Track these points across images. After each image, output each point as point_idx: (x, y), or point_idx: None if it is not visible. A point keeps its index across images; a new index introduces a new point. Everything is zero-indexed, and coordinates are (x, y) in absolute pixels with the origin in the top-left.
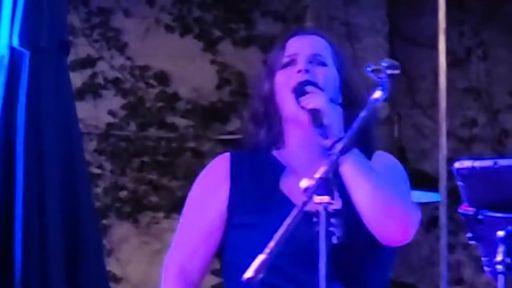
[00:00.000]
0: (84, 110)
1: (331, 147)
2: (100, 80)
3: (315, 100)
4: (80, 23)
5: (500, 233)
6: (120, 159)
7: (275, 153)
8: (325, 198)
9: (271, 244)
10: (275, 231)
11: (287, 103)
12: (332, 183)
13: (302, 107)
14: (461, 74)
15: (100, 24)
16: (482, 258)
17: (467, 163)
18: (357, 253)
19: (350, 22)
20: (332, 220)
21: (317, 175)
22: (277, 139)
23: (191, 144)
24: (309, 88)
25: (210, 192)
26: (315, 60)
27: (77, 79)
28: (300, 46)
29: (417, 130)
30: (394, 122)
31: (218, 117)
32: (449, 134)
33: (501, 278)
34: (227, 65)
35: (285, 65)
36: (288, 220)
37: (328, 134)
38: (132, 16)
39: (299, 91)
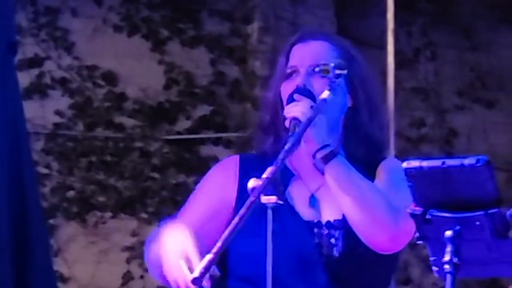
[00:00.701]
0: (32, 110)
1: (314, 155)
2: (47, 80)
3: (294, 109)
4: (27, 23)
5: (448, 233)
6: (67, 159)
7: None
8: (273, 198)
9: (219, 243)
10: (275, 240)
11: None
12: (280, 183)
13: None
14: (409, 74)
15: (47, 23)
16: (430, 258)
17: (415, 163)
18: (358, 263)
19: (298, 22)
20: (333, 232)
21: (264, 175)
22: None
23: (139, 144)
24: (295, 96)
25: (219, 186)
26: (316, 71)
27: (24, 78)
28: (301, 57)
29: None
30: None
31: (165, 117)
32: (397, 134)
33: (449, 277)
34: (175, 65)
35: (289, 76)
36: (241, 212)
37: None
38: (80, 16)
39: (288, 102)
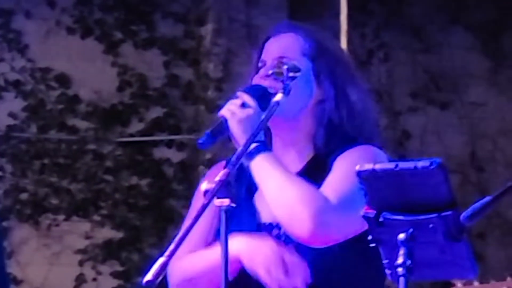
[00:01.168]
0: None
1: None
2: (0, 82)
3: (225, 107)
4: None
5: (401, 236)
6: (20, 161)
7: None
8: (225, 201)
9: (171, 247)
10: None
11: None
12: (233, 186)
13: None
14: (363, 76)
15: (0, 25)
16: (383, 261)
17: (368, 166)
18: (311, 261)
19: (252, 24)
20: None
21: (217, 178)
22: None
23: (92, 146)
24: (238, 93)
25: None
26: (280, 63)
27: None
28: (269, 50)
29: None
30: None
31: (118, 120)
32: None
33: (402, 280)
34: (128, 67)
35: (258, 70)
36: (193, 214)
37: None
38: (33, 18)
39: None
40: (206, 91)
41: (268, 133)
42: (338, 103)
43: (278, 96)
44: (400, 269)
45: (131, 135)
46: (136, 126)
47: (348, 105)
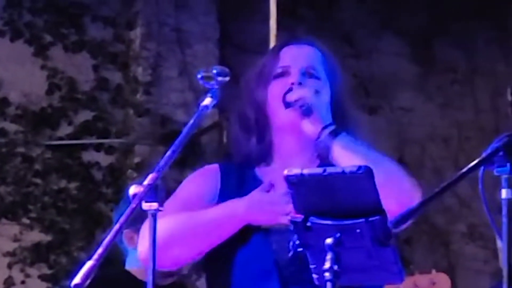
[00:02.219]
0: None
1: (319, 135)
2: None
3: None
4: None
5: (328, 240)
6: None
7: (257, 170)
8: (154, 205)
9: (99, 250)
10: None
11: (279, 113)
12: (161, 190)
13: (289, 104)
14: None
15: None
16: (311, 265)
17: (296, 170)
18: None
19: (181, 28)
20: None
21: (145, 182)
22: (267, 152)
23: (21, 149)
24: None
25: (203, 183)
26: (308, 73)
27: None
28: (294, 57)
29: None
30: (223, 128)
31: (48, 123)
32: None
33: (329, 285)
34: (58, 70)
35: (279, 76)
36: (122, 219)
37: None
38: None
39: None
40: (135, 94)
41: (270, 138)
42: (336, 112)
43: (207, 100)
44: (327, 274)
45: (60, 138)
46: (65, 129)
47: (343, 114)
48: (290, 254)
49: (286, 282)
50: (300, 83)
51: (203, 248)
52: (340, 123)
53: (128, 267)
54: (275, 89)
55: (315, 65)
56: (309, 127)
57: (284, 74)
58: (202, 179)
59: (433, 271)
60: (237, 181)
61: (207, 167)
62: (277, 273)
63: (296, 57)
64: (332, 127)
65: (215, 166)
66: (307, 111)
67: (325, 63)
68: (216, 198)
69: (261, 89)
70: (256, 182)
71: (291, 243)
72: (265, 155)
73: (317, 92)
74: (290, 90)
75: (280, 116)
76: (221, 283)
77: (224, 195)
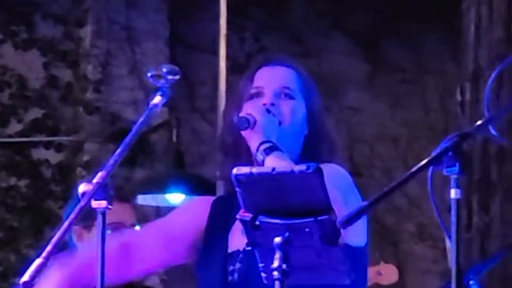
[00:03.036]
0: None
1: (257, 149)
2: None
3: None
4: None
5: (277, 239)
6: None
7: None
8: (103, 203)
9: (48, 248)
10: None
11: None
12: (110, 188)
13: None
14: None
15: None
16: (259, 264)
17: (245, 169)
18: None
19: (131, 26)
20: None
21: (95, 180)
22: None
23: None
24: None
25: (192, 213)
26: (282, 93)
27: None
28: (268, 78)
29: (196, 135)
30: (173, 127)
31: None
32: None
33: (277, 284)
34: (8, 68)
35: (252, 97)
36: (71, 217)
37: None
38: None
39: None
40: (85, 92)
41: (248, 158)
42: (313, 130)
43: (157, 99)
44: (275, 273)
45: (10, 136)
46: (15, 127)
47: (324, 134)
48: None
49: None
50: (272, 104)
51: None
52: (317, 141)
53: None
54: (246, 109)
55: (289, 85)
56: (250, 141)
57: (258, 95)
58: (192, 212)
59: (382, 263)
60: (227, 212)
61: (201, 198)
62: None
63: (270, 78)
64: (268, 144)
65: (209, 199)
66: (241, 124)
67: (300, 82)
68: (200, 233)
69: (236, 110)
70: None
71: None
72: None
73: (268, 112)
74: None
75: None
76: None
77: (209, 233)
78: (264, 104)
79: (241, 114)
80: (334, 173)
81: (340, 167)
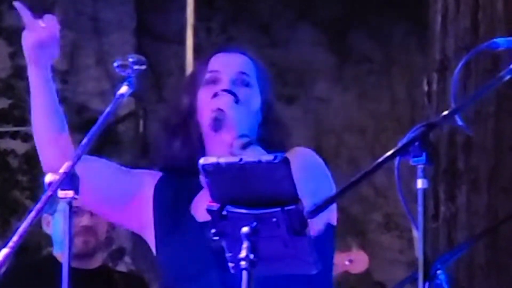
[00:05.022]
0: None
1: (232, 144)
2: None
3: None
4: None
5: (245, 229)
6: None
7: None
8: (69, 193)
9: (15, 238)
10: (184, 253)
11: (206, 119)
12: (77, 178)
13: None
14: None
15: None
16: (227, 254)
17: (212, 159)
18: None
19: (98, 17)
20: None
21: (61, 170)
22: (195, 154)
23: None
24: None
25: (142, 177)
26: (239, 80)
27: None
28: (224, 63)
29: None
30: (140, 117)
31: None
32: None
33: (245, 274)
34: None
35: (208, 82)
36: (37, 206)
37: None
38: None
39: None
40: None
41: (199, 143)
42: (267, 118)
43: (123, 89)
44: (243, 263)
45: None
46: None
47: (278, 122)
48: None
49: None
50: (230, 90)
51: None
52: (273, 129)
53: (54, 252)
54: (203, 95)
55: (246, 71)
56: (224, 135)
57: (214, 81)
58: (141, 172)
59: (353, 249)
60: (175, 190)
61: (150, 172)
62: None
63: (227, 63)
64: (244, 140)
65: (157, 175)
66: (216, 126)
67: (255, 70)
68: (147, 205)
69: (190, 95)
70: (195, 186)
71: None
72: (193, 158)
73: (237, 101)
74: (215, 95)
75: (206, 122)
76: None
77: (157, 206)
78: (223, 90)
79: (212, 114)
80: (306, 159)
81: (314, 152)
